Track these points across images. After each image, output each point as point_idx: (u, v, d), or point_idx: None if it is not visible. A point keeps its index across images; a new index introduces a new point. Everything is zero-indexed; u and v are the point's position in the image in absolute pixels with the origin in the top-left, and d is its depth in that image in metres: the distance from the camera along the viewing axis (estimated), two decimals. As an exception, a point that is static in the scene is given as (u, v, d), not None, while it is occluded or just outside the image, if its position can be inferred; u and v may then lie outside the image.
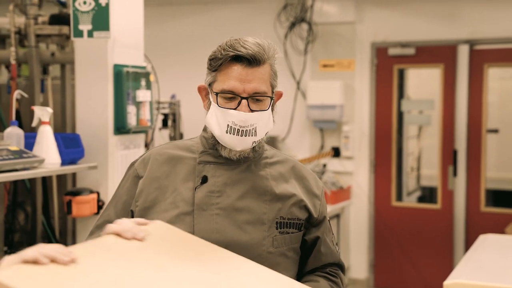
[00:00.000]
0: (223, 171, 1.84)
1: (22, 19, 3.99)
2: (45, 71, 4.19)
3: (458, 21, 6.01)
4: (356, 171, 6.34)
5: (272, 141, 6.27)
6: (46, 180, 4.06)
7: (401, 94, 6.42)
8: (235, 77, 1.77)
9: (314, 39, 6.31)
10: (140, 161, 1.90)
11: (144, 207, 1.81)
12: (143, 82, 3.71)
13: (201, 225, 1.77)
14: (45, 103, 4.07)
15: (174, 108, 4.91)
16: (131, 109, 3.60)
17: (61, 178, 4.08)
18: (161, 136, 5.46)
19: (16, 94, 3.37)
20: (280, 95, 1.94)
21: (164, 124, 5.00)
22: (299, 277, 1.95)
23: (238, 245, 1.77)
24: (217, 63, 1.80)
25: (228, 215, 1.79)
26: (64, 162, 3.33)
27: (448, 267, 5.96)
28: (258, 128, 1.80)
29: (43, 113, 3.24)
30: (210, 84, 1.84)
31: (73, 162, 3.45)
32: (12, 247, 4.12)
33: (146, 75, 3.75)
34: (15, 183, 4.07)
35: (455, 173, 6.09)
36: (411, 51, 6.17)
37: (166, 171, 1.85)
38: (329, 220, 2.00)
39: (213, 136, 1.84)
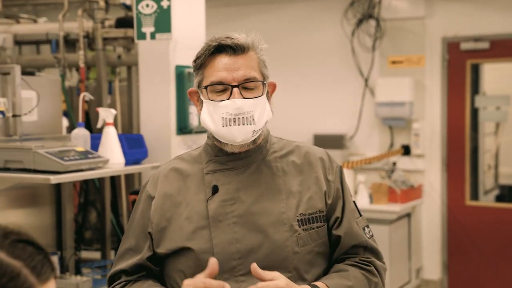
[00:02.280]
0: (233, 176, 1.76)
1: (90, 23, 4.11)
2: (113, 72, 4.30)
3: (533, 12, 5.79)
4: (428, 170, 6.20)
5: (339, 139, 6.21)
6: (114, 180, 4.17)
7: (475, 90, 6.22)
8: (222, 67, 1.71)
9: (382, 35, 6.21)
10: (150, 181, 1.86)
11: (160, 227, 1.77)
12: (205, 83, 3.74)
13: (220, 237, 1.71)
14: (112, 105, 4.17)
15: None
16: (193, 110, 3.64)
17: (129, 177, 4.18)
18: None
19: (83, 96, 3.46)
20: (274, 86, 1.84)
21: (229, 123, 5.04)
22: (329, 267, 1.82)
23: (261, 251, 1.71)
24: (201, 59, 1.75)
25: (245, 221, 1.72)
26: (128, 162, 3.40)
27: (525, 268, 5.75)
28: (256, 116, 1.71)
29: (107, 114, 3.32)
30: (199, 85, 1.77)
31: (137, 162, 3.52)
32: (84, 244, 4.25)
33: (208, 75, 3.78)
34: (87, 182, 4.20)
35: (532, 171, 5.87)
36: (485, 45, 5.98)
37: (176, 187, 1.80)
38: (354, 202, 1.87)
39: (213, 137, 1.77)
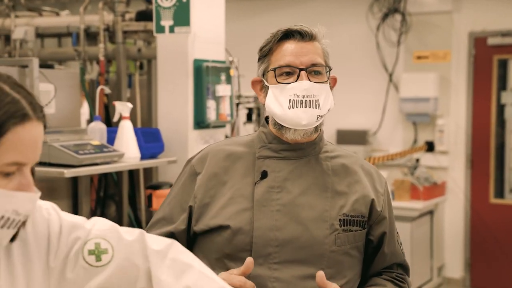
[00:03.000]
0: (284, 165, 1.78)
1: (111, 16, 4.11)
2: (141, 67, 4.29)
3: None
4: (451, 166, 6.11)
5: (363, 134, 6.16)
6: (133, 174, 4.17)
7: (502, 86, 6.11)
8: (290, 52, 1.75)
9: (408, 30, 6.13)
10: (197, 158, 1.88)
11: (203, 203, 1.79)
12: (223, 77, 3.72)
13: (261, 221, 1.73)
14: (132, 99, 4.17)
15: (259, 102, 4.90)
16: (210, 104, 3.62)
17: (147, 172, 4.17)
18: (246, 131, 5.46)
19: (100, 89, 3.46)
20: (335, 79, 1.88)
21: (249, 118, 5.01)
22: (364, 278, 1.88)
23: (299, 243, 1.72)
24: (268, 46, 1.79)
25: (289, 211, 1.74)
26: (144, 157, 3.40)
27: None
28: (321, 101, 1.75)
29: (123, 108, 3.31)
30: (264, 73, 1.81)
31: (153, 156, 3.52)
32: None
33: (226, 69, 3.76)
34: (106, 176, 4.21)
35: (558, 170, 5.75)
36: (512, 40, 5.87)
37: (224, 167, 1.82)
38: (394, 219, 1.91)
39: (275, 125, 1.79)
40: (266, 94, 1.80)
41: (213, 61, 3.69)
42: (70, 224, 1.31)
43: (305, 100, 1.72)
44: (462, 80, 6.06)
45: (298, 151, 1.80)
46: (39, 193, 1.18)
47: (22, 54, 4.23)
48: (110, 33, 4.13)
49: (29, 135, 1.14)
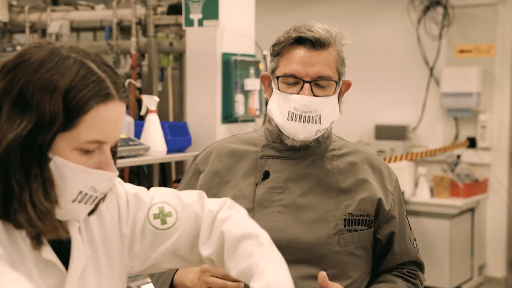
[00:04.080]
0: (287, 165, 1.75)
1: (143, 10, 4.12)
2: (177, 59, 4.30)
3: None
4: (494, 163, 5.95)
5: (402, 130, 6.04)
6: (164, 167, 4.18)
7: (550, 81, 5.91)
8: (298, 60, 1.69)
9: (450, 23, 5.98)
10: (202, 155, 1.86)
11: None
12: (251, 71, 3.69)
13: (262, 223, 1.66)
14: (164, 92, 4.18)
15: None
16: (239, 98, 3.60)
17: (179, 165, 4.18)
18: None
19: (127, 83, 3.48)
20: (348, 84, 1.81)
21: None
22: (375, 276, 1.84)
23: (301, 245, 1.69)
24: (279, 47, 1.73)
25: (290, 212, 1.72)
26: (171, 150, 3.40)
27: None
28: (323, 116, 1.69)
29: (150, 101, 3.32)
30: (272, 71, 1.76)
31: (180, 150, 3.51)
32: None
33: (255, 63, 3.73)
34: (139, 169, 4.23)
35: None
36: (560, 33, 5.67)
37: (227, 166, 1.80)
38: (407, 216, 1.87)
39: (277, 127, 1.76)
40: (271, 93, 1.77)
41: (242, 55, 3.66)
42: (134, 193, 1.37)
43: (304, 116, 1.68)
44: (507, 75, 5.88)
45: (302, 151, 1.77)
46: (117, 172, 1.21)
47: (57, 48, 4.28)
48: (143, 27, 4.14)
49: (111, 114, 1.16)
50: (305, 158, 1.76)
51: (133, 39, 4.08)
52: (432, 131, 6.14)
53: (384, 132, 6.13)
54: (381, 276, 1.82)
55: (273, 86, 1.74)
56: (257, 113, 3.74)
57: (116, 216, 1.34)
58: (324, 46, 1.70)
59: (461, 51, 6.04)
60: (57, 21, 4.30)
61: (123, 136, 3.20)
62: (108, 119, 1.16)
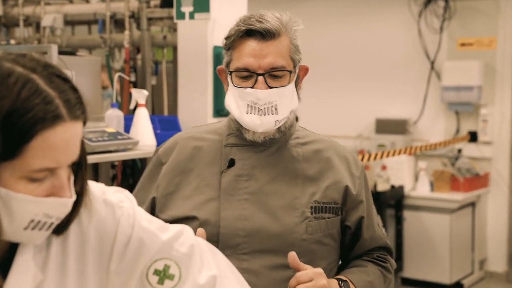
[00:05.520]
0: (252, 153, 1.73)
1: (136, 3, 4.10)
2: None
3: None
4: (495, 157, 5.89)
5: (402, 124, 5.99)
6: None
7: (553, 74, 5.84)
8: (249, 53, 1.66)
9: (451, 16, 5.92)
10: (164, 147, 1.83)
11: (167, 192, 1.75)
12: (243, 64, 3.65)
13: (228, 211, 1.68)
14: (159, 86, 4.15)
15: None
16: (230, 92, 3.57)
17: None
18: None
19: (117, 76, 3.46)
20: (306, 69, 1.79)
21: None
22: (344, 263, 1.84)
23: (268, 233, 1.67)
24: (230, 41, 1.70)
25: (257, 200, 1.70)
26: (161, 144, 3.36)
27: None
28: (279, 106, 1.67)
29: (139, 95, 3.29)
30: (227, 65, 1.73)
31: (171, 144, 3.48)
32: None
33: (248, 56, 3.69)
34: (134, 163, 4.21)
35: None
36: None
37: (190, 155, 1.77)
38: (373, 202, 1.86)
39: (235, 120, 1.74)
40: (228, 87, 1.74)
41: (234, 48, 3.62)
42: (143, 233, 1.21)
43: (260, 108, 1.66)
44: (508, 68, 5.82)
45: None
46: (73, 197, 1.09)
47: (51, 41, 4.27)
48: (136, 20, 4.12)
49: (60, 139, 1.04)
50: (270, 146, 1.74)
51: (127, 32, 4.06)
52: (433, 125, 6.09)
53: (384, 126, 6.08)
54: (352, 262, 1.82)
55: (229, 80, 1.72)
56: (249, 106, 3.71)
57: (109, 247, 1.20)
58: (275, 36, 1.67)
59: (463, 45, 5.98)
60: (51, 15, 4.29)
61: (111, 130, 3.18)
62: (57, 145, 1.03)
